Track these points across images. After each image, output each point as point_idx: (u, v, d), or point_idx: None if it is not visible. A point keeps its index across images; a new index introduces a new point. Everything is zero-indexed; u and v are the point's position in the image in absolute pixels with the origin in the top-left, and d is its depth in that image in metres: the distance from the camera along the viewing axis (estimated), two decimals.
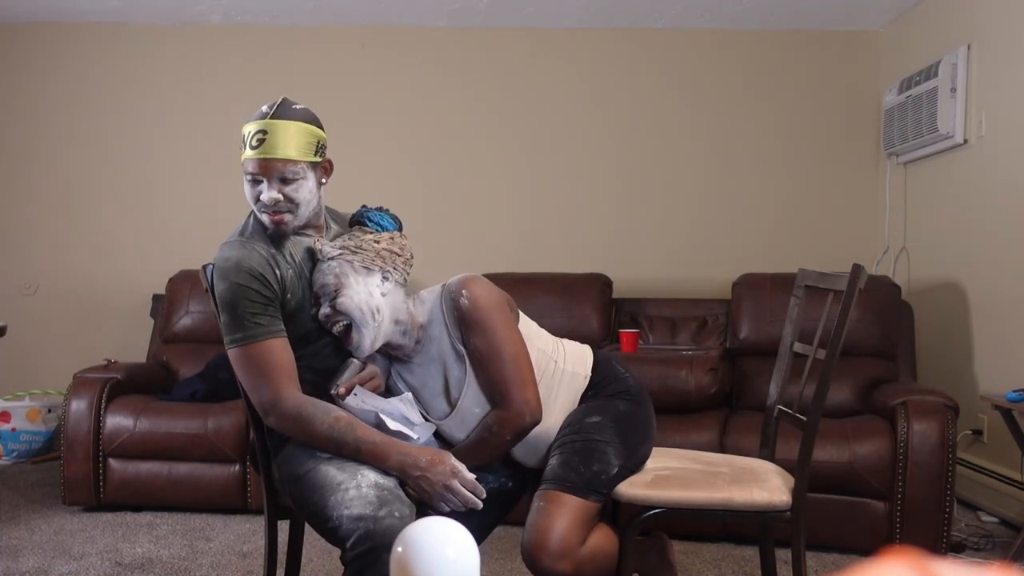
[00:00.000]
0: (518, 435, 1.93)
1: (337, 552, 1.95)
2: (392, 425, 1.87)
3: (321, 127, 1.96)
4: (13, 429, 4.36)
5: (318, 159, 1.94)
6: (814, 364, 2.19)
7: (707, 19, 4.54)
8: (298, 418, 1.85)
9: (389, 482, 1.82)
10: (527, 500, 2.00)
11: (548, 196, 4.73)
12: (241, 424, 3.51)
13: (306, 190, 1.91)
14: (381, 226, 1.99)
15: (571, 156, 4.73)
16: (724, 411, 3.48)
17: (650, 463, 2.11)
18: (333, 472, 1.82)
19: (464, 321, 1.92)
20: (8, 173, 4.82)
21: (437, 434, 2.01)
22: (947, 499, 2.98)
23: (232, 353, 1.90)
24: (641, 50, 4.71)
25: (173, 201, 4.78)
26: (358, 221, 2.02)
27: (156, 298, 4.47)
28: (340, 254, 1.91)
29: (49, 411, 4.43)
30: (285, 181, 1.88)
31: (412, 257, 2.01)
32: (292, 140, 1.88)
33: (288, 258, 1.94)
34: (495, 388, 1.92)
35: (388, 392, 2.01)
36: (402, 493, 1.83)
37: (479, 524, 1.89)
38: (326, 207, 2.07)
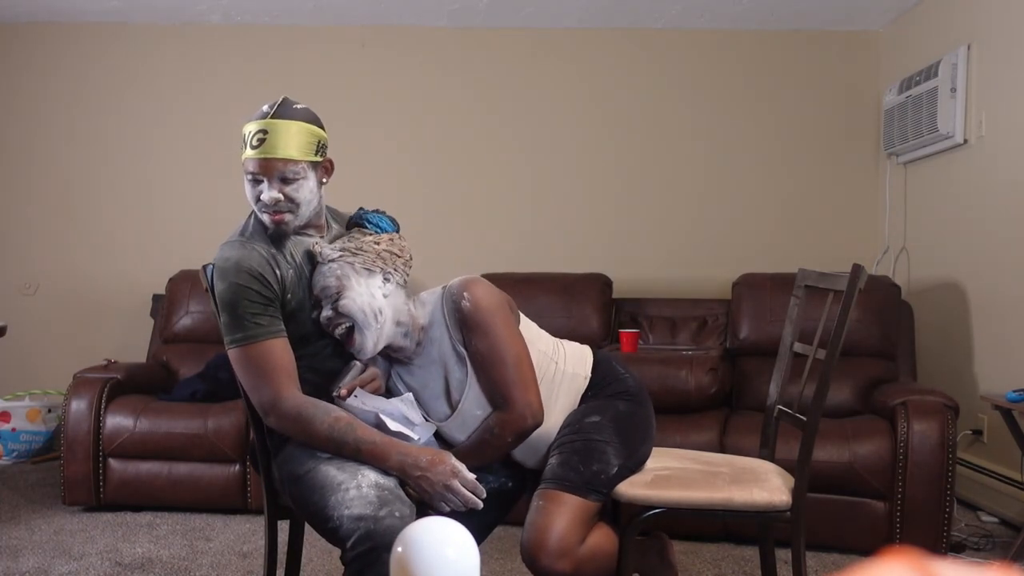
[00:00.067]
0: (520, 437, 1.93)
1: (337, 552, 1.95)
2: (392, 425, 1.87)
3: (322, 127, 1.95)
4: (13, 429, 4.36)
5: (319, 159, 1.93)
6: (814, 364, 2.19)
7: (707, 19, 4.54)
8: (298, 418, 1.84)
9: (389, 482, 1.82)
10: (527, 500, 2.00)
11: (548, 196, 4.73)
12: (241, 424, 3.51)
13: (307, 190, 1.91)
14: (380, 228, 1.99)
15: (571, 156, 4.73)
16: (724, 411, 3.48)
17: (650, 463, 2.10)
18: (333, 472, 1.82)
19: (466, 323, 1.92)
20: (8, 173, 4.82)
21: (437, 435, 2.01)
22: (947, 499, 2.98)
23: (232, 353, 1.90)
24: (641, 50, 4.71)
25: (173, 201, 4.78)
26: (356, 223, 2.02)
27: (156, 298, 4.47)
28: (340, 256, 1.91)
29: (49, 411, 4.43)
30: (286, 181, 1.88)
31: (411, 258, 2.01)
32: (293, 140, 1.87)
33: (288, 258, 1.93)
34: (497, 390, 1.91)
35: (388, 394, 2.01)
36: (402, 493, 1.83)
37: (479, 524, 1.88)
38: (327, 207, 2.07)
